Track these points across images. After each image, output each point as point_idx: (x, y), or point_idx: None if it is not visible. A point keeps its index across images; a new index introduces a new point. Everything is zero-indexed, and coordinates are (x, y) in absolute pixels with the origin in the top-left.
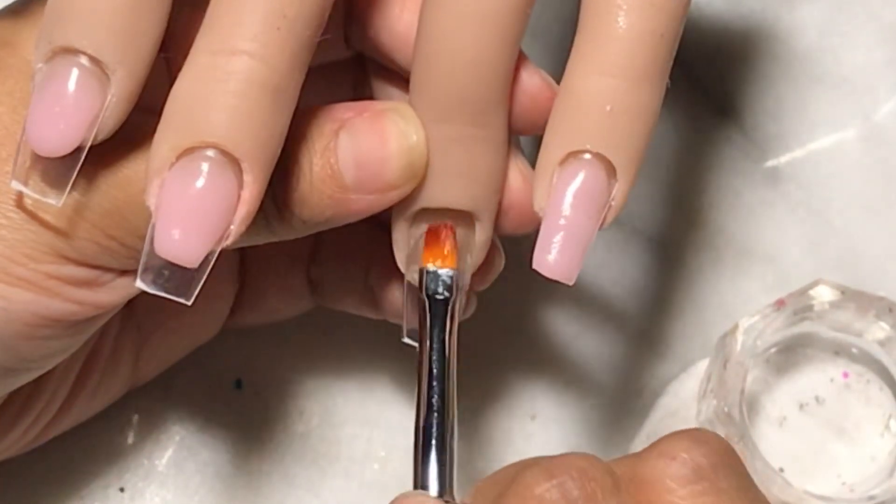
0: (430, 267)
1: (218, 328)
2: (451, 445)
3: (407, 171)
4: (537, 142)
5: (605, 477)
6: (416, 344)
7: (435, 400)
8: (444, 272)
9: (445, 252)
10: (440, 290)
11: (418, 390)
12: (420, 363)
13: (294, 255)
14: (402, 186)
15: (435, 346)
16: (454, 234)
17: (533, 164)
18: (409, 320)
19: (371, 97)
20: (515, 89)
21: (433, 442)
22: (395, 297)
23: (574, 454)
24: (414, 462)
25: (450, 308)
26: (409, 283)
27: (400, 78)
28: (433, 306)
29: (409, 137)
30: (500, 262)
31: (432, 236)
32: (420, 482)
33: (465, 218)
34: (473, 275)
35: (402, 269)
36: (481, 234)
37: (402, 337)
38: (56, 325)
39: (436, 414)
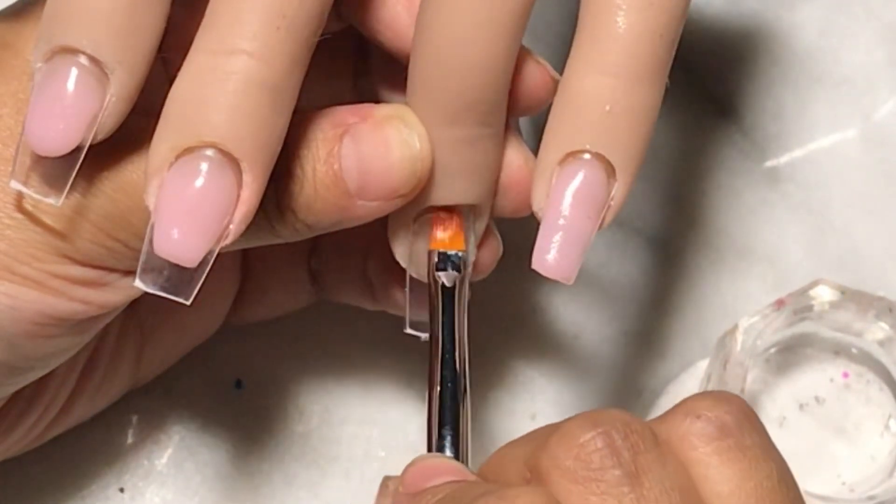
0: (441, 249)
1: (219, 324)
2: (465, 417)
3: (411, 179)
4: (537, 142)
5: (646, 430)
6: (418, 334)
7: (448, 374)
8: (454, 253)
9: (454, 234)
10: (450, 269)
11: (430, 367)
12: (432, 341)
13: (295, 248)
14: (407, 194)
15: (446, 323)
16: (461, 216)
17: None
18: (412, 312)
19: (373, 89)
20: (515, 76)
21: (448, 413)
22: (392, 287)
23: (613, 409)
24: (427, 434)
25: (461, 287)
26: (412, 277)
27: (402, 70)
28: (444, 286)
29: (412, 146)
30: (499, 249)
31: (439, 220)
32: (434, 450)
33: (467, 210)
34: (474, 264)
35: (403, 264)
36: (481, 223)
37: (405, 328)
38: (61, 324)
39: (449, 386)
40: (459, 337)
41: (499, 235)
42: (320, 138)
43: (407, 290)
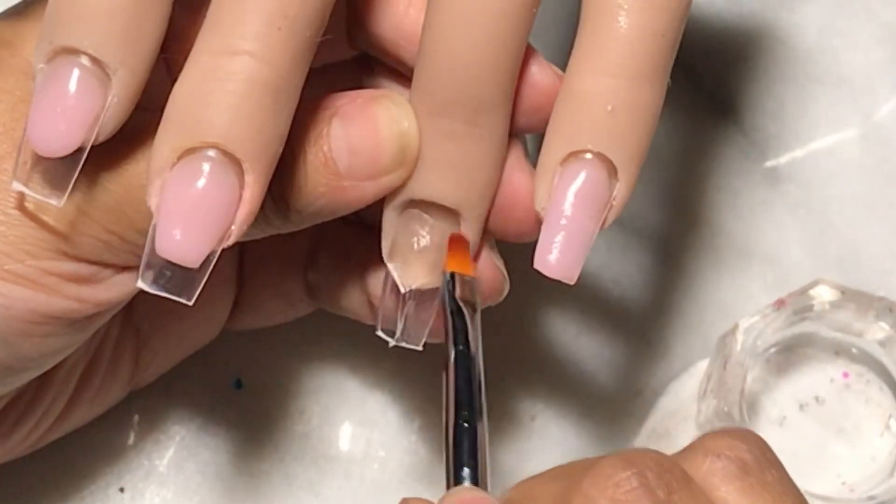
0: (459, 273)
1: (217, 332)
2: (484, 445)
3: (399, 156)
4: (539, 142)
5: (678, 469)
6: (388, 339)
7: (465, 400)
8: (471, 279)
9: (468, 260)
10: (469, 296)
11: (445, 393)
12: (447, 366)
13: (292, 259)
14: (395, 172)
15: (462, 349)
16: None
17: (534, 164)
18: (385, 313)
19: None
20: (523, 84)
21: (466, 440)
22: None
23: (642, 449)
24: (446, 463)
25: (477, 313)
26: (389, 275)
27: (404, 78)
28: (461, 311)
29: (400, 123)
30: (504, 285)
31: (456, 244)
32: (454, 481)
33: (451, 216)
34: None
35: (385, 259)
36: (467, 236)
37: (377, 330)
38: (55, 323)
39: (467, 413)
40: (478, 363)
41: (504, 270)
42: (309, 122)
43: (384, 289)
